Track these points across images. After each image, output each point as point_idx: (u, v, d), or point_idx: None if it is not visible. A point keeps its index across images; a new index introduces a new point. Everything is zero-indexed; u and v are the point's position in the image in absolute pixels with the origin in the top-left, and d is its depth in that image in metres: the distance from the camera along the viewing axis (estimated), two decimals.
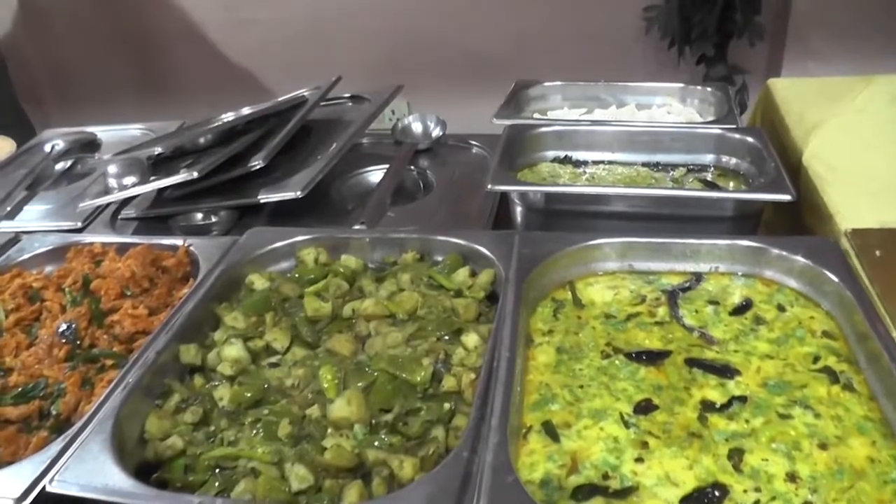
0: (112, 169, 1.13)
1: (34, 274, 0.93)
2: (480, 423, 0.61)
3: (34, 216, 1.18)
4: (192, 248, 0.94)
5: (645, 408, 0.66)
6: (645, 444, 0.63)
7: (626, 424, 0.65)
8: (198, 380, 0.75)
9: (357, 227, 1.00)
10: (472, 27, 2.32)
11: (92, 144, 1.47)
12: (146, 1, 2.60)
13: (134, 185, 1.10)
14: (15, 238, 1.01)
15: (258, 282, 0.88)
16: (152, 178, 1.12)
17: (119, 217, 1.16)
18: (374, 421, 0.68)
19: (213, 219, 1.14)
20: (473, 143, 1.30)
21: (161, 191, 1.16)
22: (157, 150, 1.16)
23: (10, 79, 2.27)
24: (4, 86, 2.28)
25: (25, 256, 0.96)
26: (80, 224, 1.12)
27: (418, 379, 0.71)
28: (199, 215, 1.15)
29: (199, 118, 1.36)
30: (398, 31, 2.38)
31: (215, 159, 1.10)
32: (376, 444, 0.65)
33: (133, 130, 1.50)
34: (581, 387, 0.70)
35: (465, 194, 1.13)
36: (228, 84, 2.62)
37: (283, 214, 1.11)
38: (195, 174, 1.05)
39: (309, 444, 0.66)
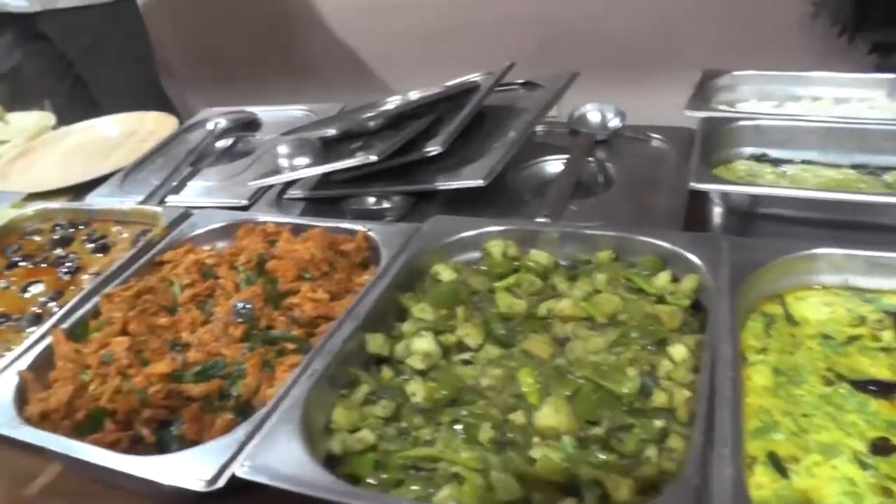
0: (283, 149, 1.20)
1: (207, 250, 0.99)
2: (707, 448, 0.60)
3: (198, 192, 1.27)
4: (370, 233, 0.98)
5: (882, 448, 0.63)
6: (888, 492, 0.59)
7: (863, 465, 0.62)
8: (386, 371, 0.77)
9: (540, 220, 1.01)
10: (616, 10, 2.32)
11: (253, 124, 1.56)
12: None
13: (307, 166, 1.16)
14: (186, 213, 1.09)
15: (444, 273, 0.90)
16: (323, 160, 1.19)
17: (284, 197, 1.23)
18: (582, 433, 0.67)
19: (386, 204, 1.18)
20: (654, 135, 1.29)
21: (327, 172, 1.22)
22: (331, 131, 1.21)
23: (154, 60, 2.48)
24: (149, 67, 2.50)
25: (198, 232, 1.03)
26: (245, 202, 1.20)
27: (625, 390, 0.70)
28: (371, 199, 1.19)
29: (340, 103, 1.46)
30: (543, 16, 2.40)
31: (392, 143, 1.14)
32: (589, 459, 0.64)
33: (294, 111, 1.59)
34: (804, 416, 0.67)
35: (647, 190, 1.13)
36: (370, 69, 2.73)
37: (458, 202, 1.13)
38: (373, 158, 1.09)
39: (514, 453, 0.66)
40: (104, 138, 1.65)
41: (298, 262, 0.91)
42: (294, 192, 1.22)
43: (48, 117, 1.79)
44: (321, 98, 1.63)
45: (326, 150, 1.23)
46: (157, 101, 2.40)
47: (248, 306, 0.86)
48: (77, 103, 2.46)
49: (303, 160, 1.18)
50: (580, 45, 2.31)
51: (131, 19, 2.44)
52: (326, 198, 1.21)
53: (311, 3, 2.88)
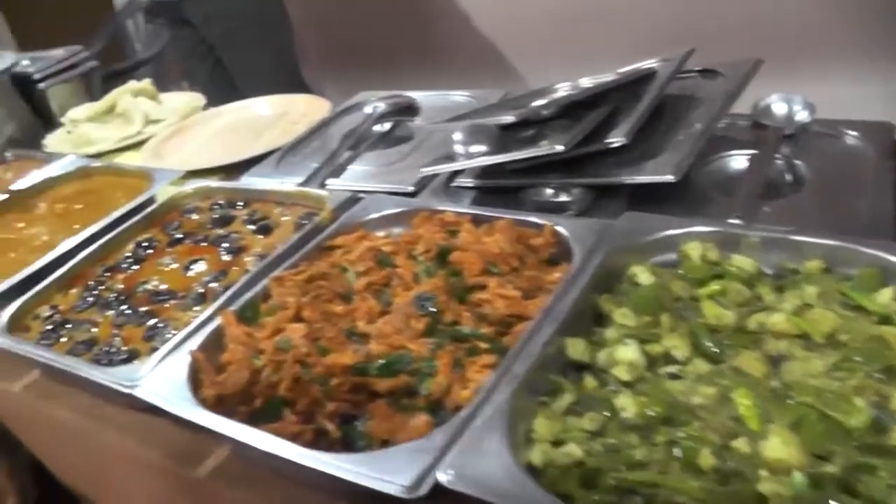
0: (459, 135, 1.19)
1: (382, 237, 0.99)
2: None
3: (359, 177, 1.28)
4: (559, 227, 0.95)
5: None
6: None
7: None
8: (589, 380, 0.74)
9: (732, 221, 0.96)
10: None
11: (411, 108, 1.57)
12: None
13: (484, 154, 1.15)
14: (354, 197, 1.10)
15: (642, 275, 0.86)
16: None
17: (453, 184, 1.22)
18: (812, 469, 0.62)
19: (565, 196, 1.15)
20: (848, 130, 1.20)
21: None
22: (508, 118, 1.19)
23: (293, 45, 2.56)
24: (288, 52, 2.57)
25: (370, 217, 1.03)
26: (412, 188, 1.20)
27: (854, 423, 0.65)
28: (549, 191, 1.17)
29: (480, 89, 1.48)
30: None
31: (574, 133, 1.11)
32: (828, 501, 0.59)
33: (456, 97, 1.58)
34: None
35: (845, 192, 1.06)
36: (504, 55, 2.72)
37: (642, 198, 1.09)
38: (560, 147, 1.06)
39: (740, 485, 0.62)
40: (255, 119, 1.69)
41: (485, 256, 0.89)
42: (463, 180, 1.21)
43: (198, 98, 1.86)
44: (456, 85, 1.63)
45: (500, 138, 1.21)
46: (296, 85, 2.47)
47: (432, 298, 0.84)
48: (217, 86, 2.56)
49: (479, 147, 1.17)
50: (744, 30, 2.21)
51: (272, 4, 2.53)
52: (499, 187, 1.19)
53: None
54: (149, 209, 1.20)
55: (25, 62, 1.94)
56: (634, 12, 2.46)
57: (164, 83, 2.56)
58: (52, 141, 1.80)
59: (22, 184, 1.44)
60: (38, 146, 1.78)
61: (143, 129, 1.73)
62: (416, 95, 1.59)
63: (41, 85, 1.92)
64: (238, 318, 0.85)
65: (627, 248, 0.90)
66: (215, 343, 0.84)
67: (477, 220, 0.98)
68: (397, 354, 0.78)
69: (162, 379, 0.80)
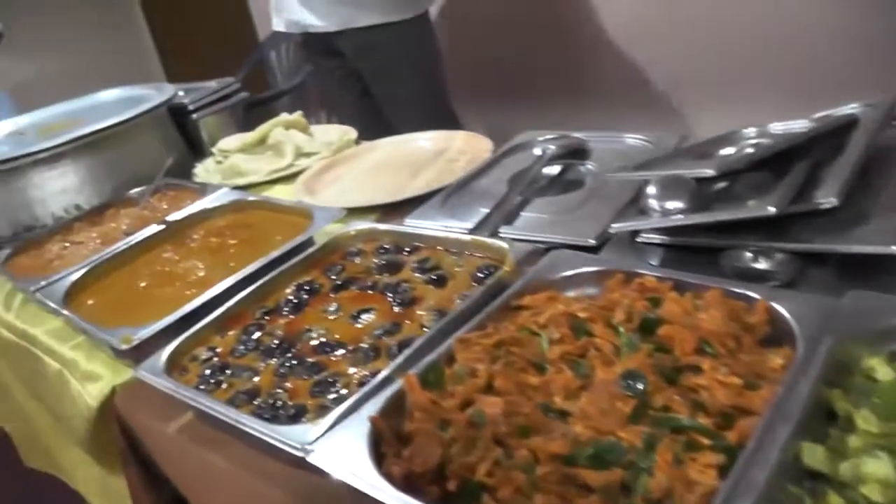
0: (652, 189, 1.11)
1: (573, 298, 0.91)
2: None
3: (533, 225, 1.20)
4: (776, 304, 0.85)
5: None
6: None
7: None
8: (833, 498, 0.63)
9: None
10: None
11: (582, 151, 1.49)
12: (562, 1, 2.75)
13: (683, 211, 1.06)
14: (537, 250, 1.02)
15: (881, 369, 0.74)
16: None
17: (638, 239, 1.13)
18: None
19: (765, 263, 1.05)
20: None
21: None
22: (708, 170, 1.10)
23: (444, 77, 2.53)
24: (440, 84, 2.55)
25: (558, 275, 0.95)
26: (593, 241, 1.11)
27: None
28: (748, 254, 1.07)
29: (633, 129, 1.42)
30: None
31: (784, 192, 1.02)
32: None
33: (628, 140, 1.50)
34: None
35: None
36: (659, 90, 2.61)
37: (856, 269, 0.98)
38: (772, 209, 0.97)
39: None
40: (412, 155, 1.66)
41: (699, 332, 0.80)
42: (652, 236, 1.12)
43: (350, 131, 1.85)
44: (605, 121, 1.56)
45: (697, 191, 1.12)
46: (446, 119, 2.45)
47: (640, 378, 0.76)
48: (363, 118, 2.57)
49: (675, 202, 1.08)
50: None
51: (426, 36, 2.52)
52: (691, 246, 1.10)
53: (596, 19, 2.83)
54: (310, 250, 1.16)
55: (180, 93, 1.98)
56: (811, 47, 2.32)
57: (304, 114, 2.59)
58: (201, 170, 1.82)
59: (177, 215, 1.43)
60: (189, 176, 1.80)
61: (295, 162, 1.72)
62: (584, 136, 1.52)
63: (194, 115, 1.96)
64: (421, 382, 0.78)
65: (859, 335, 0.78)
66: (395, 408, 0.77)
67: (679, 287, 0.89)
68: (608, 443, 0.69)
69: (338, 445, 0.74)
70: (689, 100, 2.75)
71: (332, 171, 1.65)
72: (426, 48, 2.55)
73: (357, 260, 1.15)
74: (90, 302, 1.27)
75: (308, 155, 1.75)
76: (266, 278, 1.10)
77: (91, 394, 1.16)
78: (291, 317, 1.03)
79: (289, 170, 1.70)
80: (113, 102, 2.03)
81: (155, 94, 1.89)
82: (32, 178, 1.64)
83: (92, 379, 1.18)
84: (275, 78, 3.52)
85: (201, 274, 1.23)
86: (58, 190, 1.65)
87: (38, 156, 1.62)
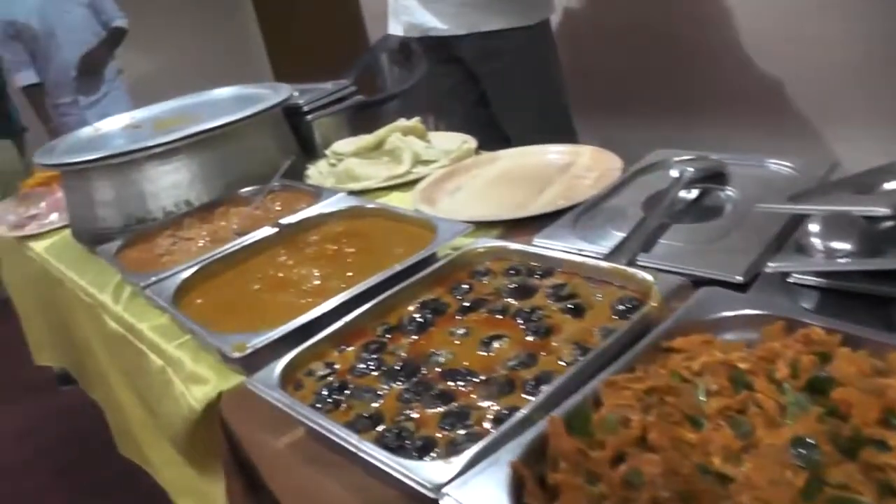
0: (814, 226, 1.02)
1: (731, 344, 0.83)
2: None
3: (672, 254, 1.13)
4: None
5: None
6: None
7: None
8: None
9: None
10: None
11: (722, 175, 1.41)
12: (677, 13, 2.64)
13: (854, 255, 0.97)
14: (686, 285, 0.95)
15: None
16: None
17: (790, 280, 1.04)
18: None
19: None
20: None
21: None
22: (883, 210, 1.01)
23: (565, 87, 2.46)
24: (559, 93, 2.49)
25: (712, 316, 0.87)
26: (740, 278, 1.03)
27: None
28: None
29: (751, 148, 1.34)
30: None
31: None
32: None
33: (771, 166, 1.41)
34: None
35: None
36: (791, 110, 2.48)
37: None
38: None
39: None
40: (535, 169, 1.59)
41: (885, 401, 0.71)
42: (808, 278, 1.03)
43: (469, 139, 1.80)
44: (721, 140, 1.46)
45: (866, 232, 1.03)
46: (565, 131, 2.38)
47: (811, 447, 0.67)
48: (475, 125, 2.52)
49: (843, 244, 0.99)
50: None
51: (547, 44, 2.46)
52: (852, 291, 1.00)
53: (715, 32, 2.72)
54: (434, 266, 1.11)
55: (295, 94, 1.96)
56: None
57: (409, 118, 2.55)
58: (314, 172, 1.79)
59: (291, 218, 1.40)
60: (299, 177, 1.77)
61: (412, 170, 1.68)
62: (723, 158, 1.43)
63: (309, 117, 1.94)
64: (566, 426, 0.72)
65: None
66: (536, 452, 0.71)
67: (851, 341, 0.80)
68: None
69: (475, 490, 0.68)
70: (823, 122, 2.62)
71: (451, 181, 1.60)
72: (547, 57, 2.49)
73: (485, 280, 1.09)
74: (199, 301, 1.25)
75: (426, 163, 1.70)
76: (388, 293, 1.05)
77: (196, 396, 1.14)
78: (415, 337, 0.98)
79: (406, 177, 1.66)
80: (228, 100, 2.03)
81: (270, 93, 1.88)
82: (147, 172, 1.65)
83: (197, 381, 1.16)
84: (384, 81, 3.50)
85: (317, 282, 1.19)
86: (170, 185, 1.65)
87: (154, 150, 1.62)
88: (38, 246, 2.07)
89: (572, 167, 1.56)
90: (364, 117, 2.12)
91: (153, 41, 4.85)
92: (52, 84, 3.96)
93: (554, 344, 0.91)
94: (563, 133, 2.50)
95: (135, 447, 1.68)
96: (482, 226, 1.33)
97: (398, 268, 1.12)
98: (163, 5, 5.04)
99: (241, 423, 1.07)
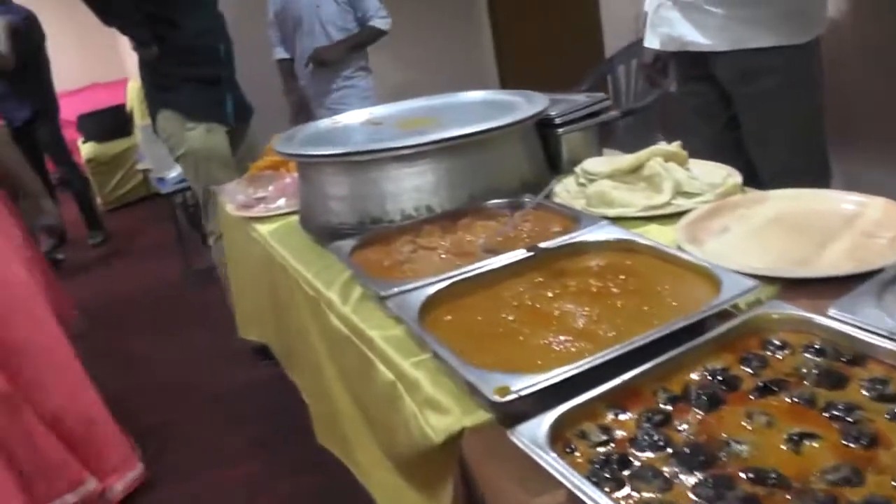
0: None
1: None
2: None
3: None
4: None
5: None
6: None
7: None
8: None
9: None
10: None
11: None
12: None
13: None
14: None
15: None
16: None
17: None
18: None
19: None
20: None
21: None
22: None
23: (824, 114, 2.26)
24: (818, 120, 2.28)
25: None
26: None
27: None
28: None
29: None
30: None
31: None
32: None
33: None
34: None
35: None
36: None
37: None
38: None
39: None
40: (814, 218, 1.43)
41: None
42: None
43: (734, 173, 1.66)
44: None
45: None
46: (820, 165, 2.20)
47: None
48: (714, 154, 2.36)
49: None
50: None
51: (814, 66, 2.27)
52: None
53: None
54: (721, 328, 0.99)
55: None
56: None
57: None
58: (561, 191, 1.71)
59: (550, 243, 1.31)
60: (538, 192, 1.69)
61: (672, 201, 1.56)
62: None
63: (560, 130, 1.85)
64: None
65: None
66: None
67: None
68: None
69: None
70: None
71: (717, 220, 1.46)
72: (813, 80, 2.29)
73: (780, 354, 0.96)
74: (448, 318, 1.19)
75: (688, 195, 1.57)
76: (671, 354, 0.94)
77: (433, 425, 1.08)
78: (703, 414, 0.87)
79: (665, 209, 1.54)
80: (477, 105, 1.98)
81: (523, 102, 1.81)
82: (389, 172, 1.61)
83: (436, 409, 1.10)
84: (619, 95, 3.40)
85: (580, 323, 1.10)
86: (412, 188, 1.61)
87: (401, 151, 1.58)
88: (263, 228, 2.12)
89: (858, 220, 1.38)
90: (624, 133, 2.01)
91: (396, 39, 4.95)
92: (295, 67, 4.14)
93: (884, 460, 0.77)
94: (816, 167, 2.31)
95: (339, 442, 1.66)
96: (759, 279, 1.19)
97: (682, 323, 1.00)
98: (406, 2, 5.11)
99: (485, 466, 1.00)
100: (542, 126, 1.86)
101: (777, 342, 0.98)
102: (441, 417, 1.08)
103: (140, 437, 2.98)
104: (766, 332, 1.00)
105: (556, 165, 1.89)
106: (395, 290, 1.26)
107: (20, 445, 2.42)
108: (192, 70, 3.16)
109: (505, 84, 5.11)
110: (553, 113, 1.87)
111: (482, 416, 1.03)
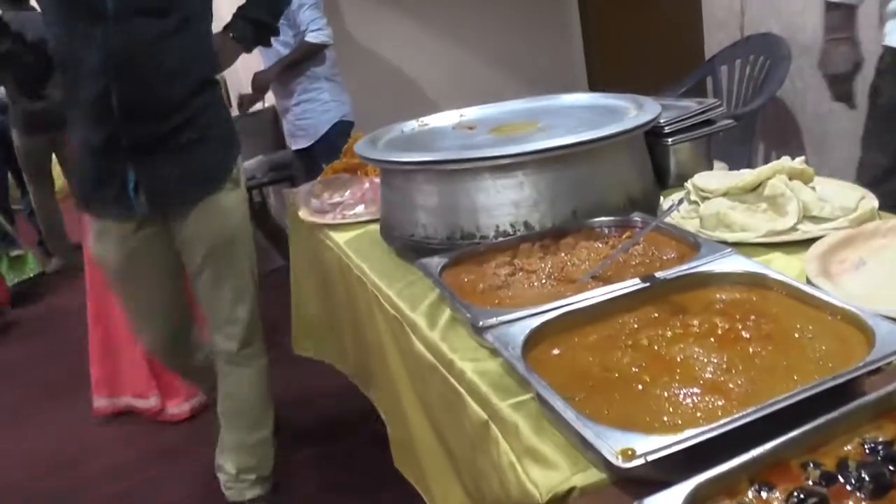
0: None
1: None
2: None
3: None
4: None
5: None
6: None
7: None
8: None
9: None
10: None
11: None
12: None
13: None
14: None
15: None
16: None
17: None
18: None
19: None
20: None
21: None
22: None
23: None
24: None
25: None
26: None
27: None
28: None
29: None
30: None
31: None
32: None
33: None
34: None
35: None
36: None
37: None
38: None
39: None
40: None
41: None
42: None
43: (869, 195, 1.53)
44: None
45: None
46: None
47: None
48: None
49: None
50: None
51: None
52: None
53: None
54: (882, 391, 0.87)
55: None
56: None
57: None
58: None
59: (668, 273, 1.21)
60: (653, 212, 1.59)
61: (798, 226, 1.44)
62: None
63: (669, 140, 1.75)
64: None
65: None
66: None
67: None
68: None
69: None
70: None
71: (850, 250, 1.34)
72: None
73: None
74: (555, 352, 1.10)
75: (817, 220, 1.45)
76: (823, 420, 0.83)
77: (536, 481, 0.99)
78: (868, 501, 0.76)
79: (790, 234, 1.42)
80: (578, 109, 1.87)
81: (630, 106, 1.70)
82: (484, 183, 1.52)
83: (539, 461, 1.01)
84: (720, 100, 3.26)
85: (707, 372, 0.99)
86: (509, 202, 1.52)
87: (499, 161, 1.49)
88: (339, 237, 2.06)
89: None
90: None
91: (473, 28, 4.84)
92: None
93: None
94: None
95: (415, 469, 1.60)
96: None
97: (833, 382, 0.89)
98: None
99: None
100: (650, 136, 1.74)
101: None
102: (546, 472, 0.99)
103: None
104: None
105: (663, 180, 1.78)
106: (495, 319, 1.17)
107: None
108: None
109: (594, 85, 4.97)
110: (663, 121, 1.75)
111: (595, 475, 0.94)
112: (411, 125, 2.02)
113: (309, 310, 2.50)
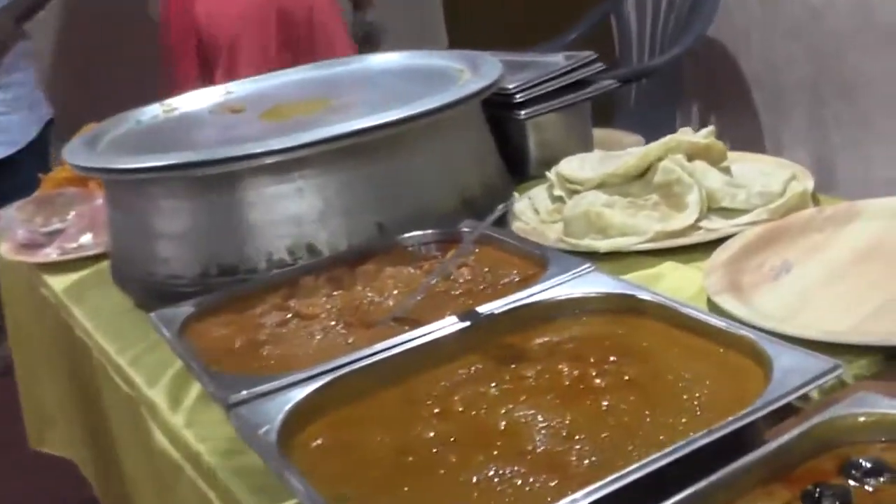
0: None
1: None
2: None
3: None
4: None
5: None
6: None
7: None
8: None
9: None
10: None
11: None
12: None
13: None
14: None
15: None
16: None
17: None
18: None
19: None
20: None
21: None
22: None
23: None
24: None
25: None
26: None
27: None
28: None
29: None
30: None
31: None
32: None
33: None
34: None
35: None
36: None
37: None
38: None
39: None
40: None
41: None
42: None
43: (803, 173, 1.64)
44: None
45: None
46: None
47: None
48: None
49: None
50: None
51: None
52: None
53: None
54: (779, 441, 0.92)
55: None
56: None
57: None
58: (526, 209, 1.65)
59: (495, 305, 1.25)
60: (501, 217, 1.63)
61: (702, 223, 1.50)
62: None
63: (522, 113, 1.80)
64: None
65: None
66: None
67: None
68: None
69: None
70: None
71: (771, 252, 1.42)
72: None
73: (871, 485, 0.89)
74: (316, 443, 1.10)
75: (727, 213, 1.52)
76: (690, 491, 0.86)
77: None
78: None
79: (689, 236, 1.49)
80: (388, 76, 1.92)
81: (463, 68, 1.74)
82: (247, 193, 1.55)
83: None
84: (628, 47, 3.39)
85: (539, 442, 1.02)
86: (285, 217, 1.54)
87: (268, 159, 1.51)
88: (56, 282, 2.06)
89: None
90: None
91: None
92: None
93: None
94: None
95: None
96: (838, 351, 1.12)
97: (703, 440, 0.93)
98: None
99: None
100: (497, 107, 1.79)
101: (867, 464, 0.92)
102: None
103: None
104: (849, 446, 0.95)
105: (521, 168, 1.83)
106: (246, 393, 1.17)
107: None
108: None
109: (455, 40, 5.08)
110: (512, 86, 1.80)
111: None
112: (152, 111, 2.02)
113: (39, 390, 2.49)
